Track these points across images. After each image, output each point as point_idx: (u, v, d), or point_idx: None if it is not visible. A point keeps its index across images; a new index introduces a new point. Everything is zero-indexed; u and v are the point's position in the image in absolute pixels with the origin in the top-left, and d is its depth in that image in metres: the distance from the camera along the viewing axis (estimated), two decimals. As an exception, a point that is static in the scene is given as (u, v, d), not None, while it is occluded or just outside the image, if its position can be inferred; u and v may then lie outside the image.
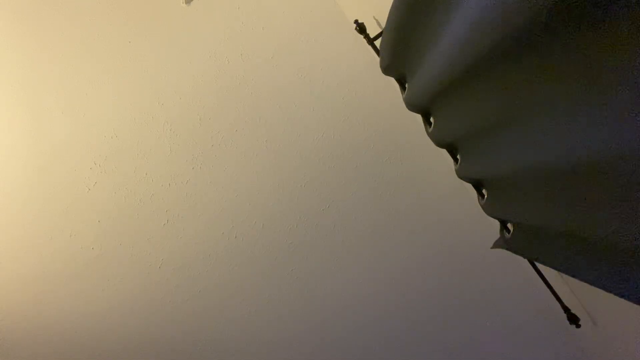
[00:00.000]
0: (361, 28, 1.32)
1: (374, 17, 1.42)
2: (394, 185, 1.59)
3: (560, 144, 0.59)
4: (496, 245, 1.18)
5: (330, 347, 1.62)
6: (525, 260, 1.31)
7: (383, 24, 1.23)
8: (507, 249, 1.08)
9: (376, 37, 1.34)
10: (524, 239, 1.01)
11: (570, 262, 0.77)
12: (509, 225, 1.16)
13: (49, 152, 1.54)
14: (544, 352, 1.55)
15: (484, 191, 1.14)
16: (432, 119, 1.15)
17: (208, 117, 1.57)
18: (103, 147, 1.55)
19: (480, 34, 0.61)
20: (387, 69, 1.26)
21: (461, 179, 1.16)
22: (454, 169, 1.19)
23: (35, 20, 1.54)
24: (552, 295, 1.33)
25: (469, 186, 1.19)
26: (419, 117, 1.24)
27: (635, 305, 0.62)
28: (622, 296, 0.63)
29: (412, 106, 1.19)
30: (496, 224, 1.25)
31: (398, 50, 1.09)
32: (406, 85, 1.21)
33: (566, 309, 1.32)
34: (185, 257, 1.59)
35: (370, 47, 1.37)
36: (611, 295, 0.65)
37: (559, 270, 0.82)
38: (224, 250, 1.59)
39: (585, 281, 0.71)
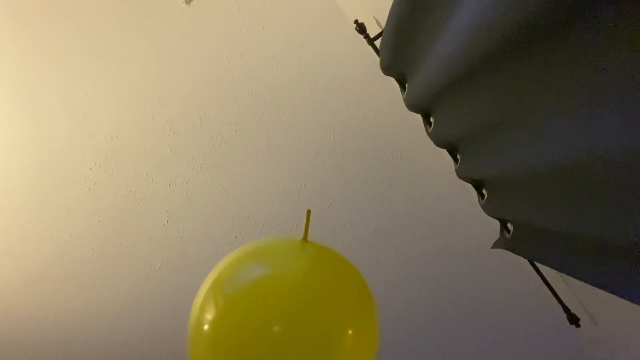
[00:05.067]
0: (361, 28, 1.32)
1: (374, 17, 1.42)
2: (393, 186, 1.59)
3: (560, 143, 0.58)
4: (496, 245, 1.18)
5: (330, 347, 1.61)
6: (525, 260, 1.31)
7: (383, 24, 1.23)
8: (507, 249, 1.08)
9: (376, 37, 1.34)
10: (524, 239, 1.01)
11: (571, 262, 0.77)
12: (509, 225, 1.16)
13: (49, 152, 1.54)
14: (544, 352, 1.55)
15: (484, 191, 1.14)
16: (432, 119, 1.15)
17: (208, 117, 1.57)
18: (103, 147, 1.55)
19: (479, 34, 0.61)
20: (387, 69, 1.25)
21: (461, 179, 1.16)
22: (454, 169, 1.19)
23: (35, 21, 1.54)
24: (552, 295, 1.33)
25: (469, 186, 1.19)
26: (419, 117, 1.23)
27: (635, 305, 0.63)
28: (622, 296, 0.63)
29: (412, 106, 1.19)
30: (496, 224, 1.25)
31: (398, 50, 1.09)
32: (406, 85, 1.21)
33: (566, 309, 1.32)
34: (185, 257, 1.59)
35: (370, 47, 1.37)
36: (611, 295, 0.65)
37: (559, 270, 0.82)
38: (224, 250, 1.59)
39: (586, 281, 0.71)
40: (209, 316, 0.44)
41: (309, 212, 0.55)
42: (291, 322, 0.42)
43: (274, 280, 0.46)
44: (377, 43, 1.34)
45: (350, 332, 0.45)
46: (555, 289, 1.32)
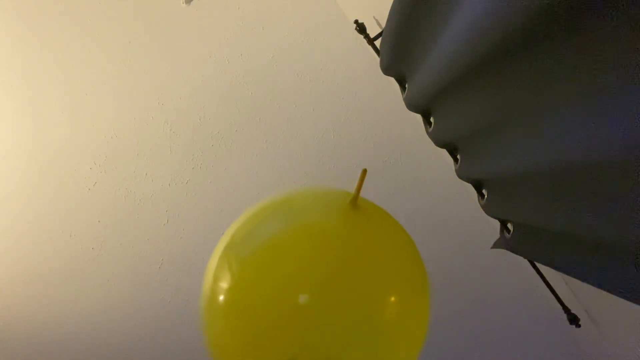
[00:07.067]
0: (361, 28, 1.32)
1: (374, 17, 1.42)
2: (393, 185, 1.59)
3: (560, 143, 0.59)
4: (496, 245, 1.18)
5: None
6: (525, 260, 1.31)
7: (383, 24, 1.23)
8: (507, 249, 1.08)
9: (376, 37, 1.34)
10: (524, 239, 1.01)
11: (571, 262, 0.77)
12: (509, 225, 1.16)
13: (49, 152, 1.54)
14: (544, 352, 1.55)
15: (484, 191, 1.14)
16: (432, 119, 1.15)
17: (208, 117, 1.57)
18: (103, 147, 1.55)
19: (479, 34, 0.61)
20: (387, 69, 1.26)
21: (461, 179, 1.16)
22: (454, 169, 1.19)
23: (35, 21, 1.54)
24: (552, 295, 1.33)
25: (469, 186, 1.19)
26: (419, 117, 1.24)
27: (635, 305, 0.63)
28: (622, 296, 0.63)
29: (412, 106, 1.19)
30: (496, 224, 1.25)
31: (398, 50, 1.09)
32: (406, 85, 1.21)
33: (566, 309, 1.32)
34: (185, 257, 1.58)
35: (370, 47, 1.37)
36: (611, 295, 0.65)
37: (559, 270, 0.82)
38: (224, 250, 1.59)
39: (586, 281, 0.71)
40: (223, 284, 0.34)
41: (364, 171, 0.39)
42: (325, 289, 0.29)
43: (305, 234, 0.32)
44: (377, 43, 1.34)
45: (396, 309, 0.31)
46: (555, 289, 1.32)
